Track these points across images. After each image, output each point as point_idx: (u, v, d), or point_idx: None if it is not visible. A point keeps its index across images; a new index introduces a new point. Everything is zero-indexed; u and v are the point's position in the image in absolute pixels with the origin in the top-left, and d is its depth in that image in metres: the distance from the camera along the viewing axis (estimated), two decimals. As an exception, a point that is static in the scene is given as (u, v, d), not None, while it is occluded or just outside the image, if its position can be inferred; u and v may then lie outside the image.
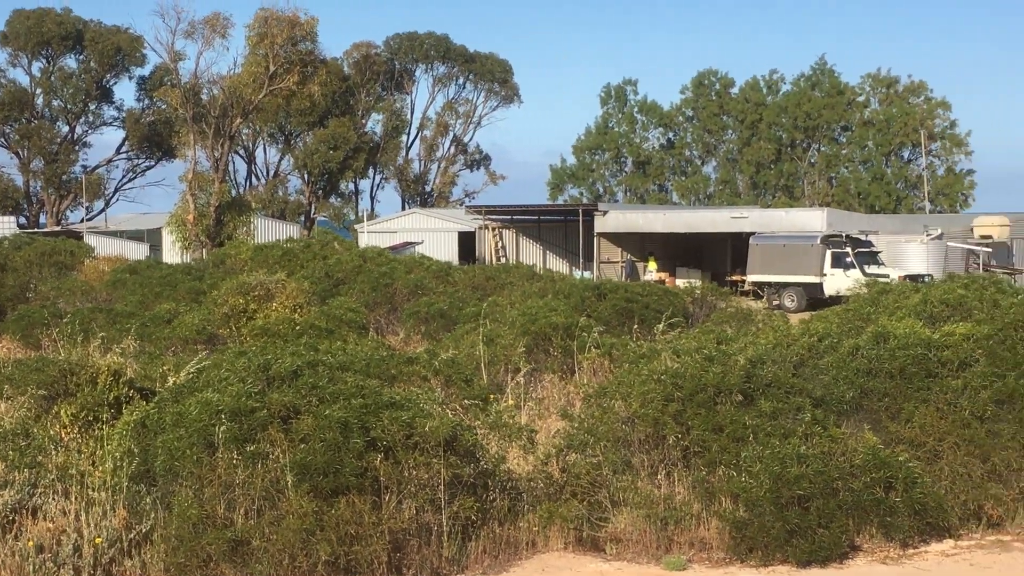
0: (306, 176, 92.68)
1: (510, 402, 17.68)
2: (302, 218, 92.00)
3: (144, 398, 15.31)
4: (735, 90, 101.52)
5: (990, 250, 55.91)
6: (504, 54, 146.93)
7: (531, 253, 69.58)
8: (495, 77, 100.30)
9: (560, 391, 20.40)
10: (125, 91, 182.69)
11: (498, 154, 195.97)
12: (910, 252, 53.95)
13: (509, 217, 70.12)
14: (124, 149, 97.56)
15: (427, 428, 13.14)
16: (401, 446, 13.00)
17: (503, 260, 64.47)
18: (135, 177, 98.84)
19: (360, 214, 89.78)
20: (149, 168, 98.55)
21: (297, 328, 25.29)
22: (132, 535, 12.65)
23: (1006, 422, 15.12)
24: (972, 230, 58.73)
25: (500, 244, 68.26)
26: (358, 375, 14.82)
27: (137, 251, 68.93)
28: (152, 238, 76.26)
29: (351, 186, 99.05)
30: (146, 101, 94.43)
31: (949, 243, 54.77)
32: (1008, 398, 15.25)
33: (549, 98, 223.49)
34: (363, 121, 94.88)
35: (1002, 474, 14.98)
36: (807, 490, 13.58)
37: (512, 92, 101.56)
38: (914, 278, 44.66)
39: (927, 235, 54.54)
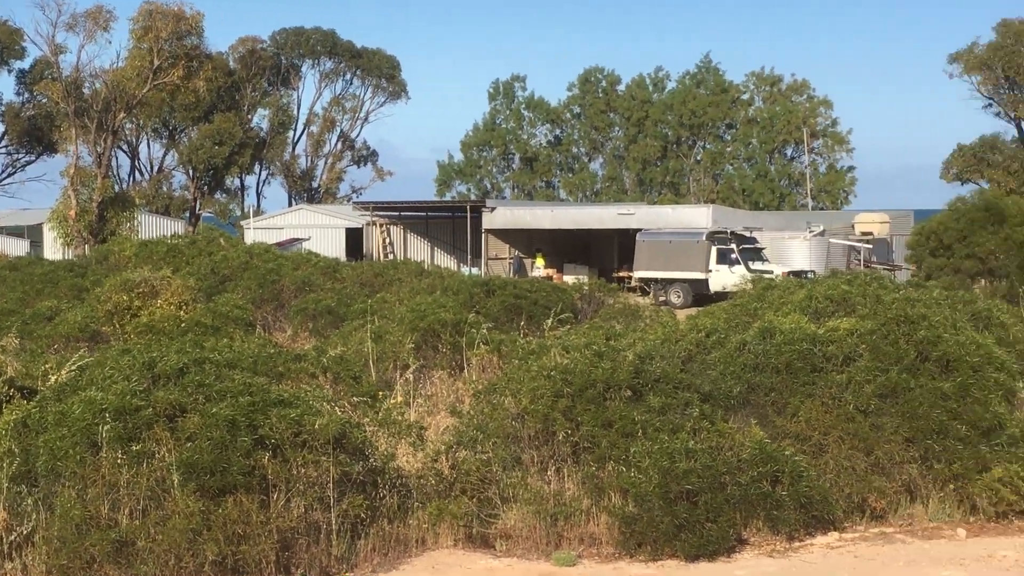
0: (191, 172, 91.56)
1: (399, 399, 17.60)
2: (187, 214, 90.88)
3: (25, 397, 15.00)
4: (621, 87, 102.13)
5: (871, 247, 56.80)
6: (392, 50, 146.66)
7: (419, 249, 69.42)
8: (382, 73, 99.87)
9: (449, 388, 20.36)
10: (4, 84, 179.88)
11: (386, 150, 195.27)
12: (793, 249, 54.65)
13: (397, 213, 69.93)
14: (3, 143, 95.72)
15: (316, 426, 13.04)
16: (289, 444, 12.88)
17: (391, 256, 64.28)
18: (15, 172, 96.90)
19: (246, 210, 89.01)
20: (29, 163, 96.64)
21: (183, 325, 24.99)
22: (13, 537, 12.40)
23: (889, 416, 15.34)
24: (853, 227, 59.61)
25: (388, 240, 68.01)
26: (245, 373, 14.66)
27: (17, 247, 67.78)
28: (33, 234, 74.94)
29: (237, 182, 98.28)
30: (26, 95, 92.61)
31: (831, 240, 55.56)
32: (891, 392, 15.48)
33: (437, 94, 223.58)
34: (249, 116, 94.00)
35: (885, 467, 15.21)
36: (695, 484, 13.67)
37: (400, 88, 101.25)
38: (797, 274, 45.23)
39: (810, 232, 55.28)
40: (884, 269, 49.75)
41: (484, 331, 21.62)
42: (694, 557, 13.63)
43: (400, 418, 15.65)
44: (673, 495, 13.64)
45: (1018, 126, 72.32)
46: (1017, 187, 64.76)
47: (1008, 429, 15.46)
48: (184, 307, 27.52)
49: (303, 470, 12.91)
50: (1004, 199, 47.03)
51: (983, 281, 42.95)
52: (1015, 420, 15.75)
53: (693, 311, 25.87)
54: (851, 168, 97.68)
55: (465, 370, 21.07)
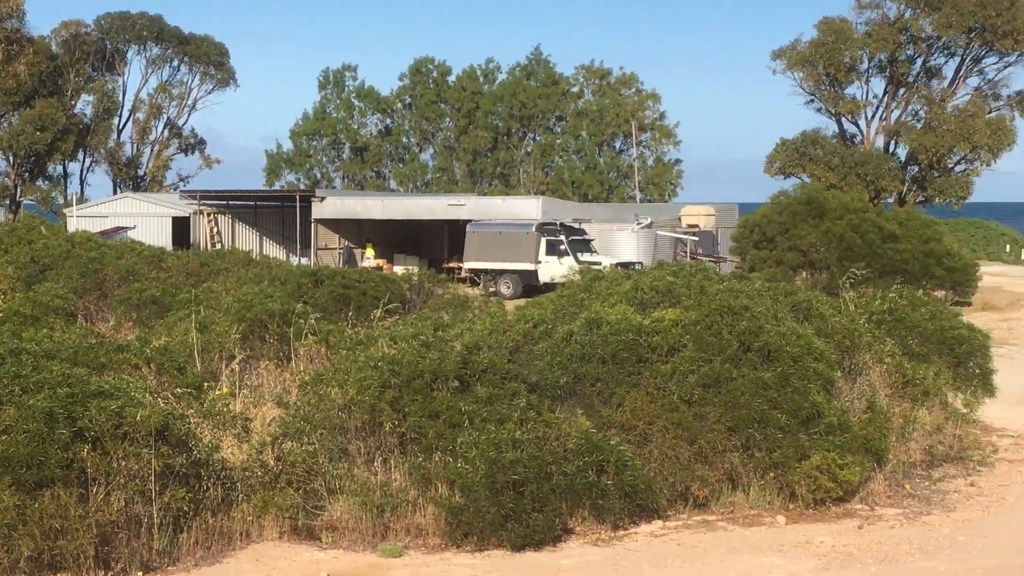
0: (11, 158, 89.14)
1: (225, 390, 17.36)
2: (7, 202, 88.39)
3: None
4: (452, 78, 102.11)
5: (697, 239, 57.59)
6: (220, 37, 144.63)
7: (248, 239, 68.54)
8: (210, 60, 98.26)
9: (276, 378, 20.14)
10: None
11: (214, 138, 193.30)
12: (621, 240, 55.17)
13: (225, 203, 68.94)
14: None
15: (137, 417, 12.80)
16: (110, 436, 12.62)
17: (219, 246, 63.38)
18: None
19: (69, 198, 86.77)
20: None
21: (0, 315, 24.33)
22: None
23: (712, 405, 15.59)
24: (680, 219, 60.41)
25: (216, 230, 67.01)
26: (65, 363, 14.36)
27: None
28: None
29: (60, 169, 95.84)
30: None
31: (658, 232, 56.24)
32: (714, 382, 15.74)
33: (267, 83, 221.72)
34: (72, 102, 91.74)
35: (708, 456, 15.46)
36: (522, 475, 13.74)
37: (228, 75, 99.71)
38: (625, 266, 45.71)
39: (637, 224, 55.89)
40: (709, 261, 50.54)
41: (312, 321, 21.44)
42: (520, 547, 13.70)
43: (225, 409, 15.45)
44: (500, 485, 13.69)
45: (838, 122, 74.06)
46: (837, 182, 66.23)
47: (826, 418, 15.83)
48: (2, 296, 26.83)
49: (124, 463, 12.67)
50: (824, 193, 48.11)
51: (804, 273, 43.93)
52: (833, 409, 16.13)
53: (522, 302, 25.95)
54: (678, 161, 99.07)
55: (292, 360, 20.87)
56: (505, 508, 13.64)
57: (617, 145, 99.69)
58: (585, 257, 51.12)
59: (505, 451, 13.82)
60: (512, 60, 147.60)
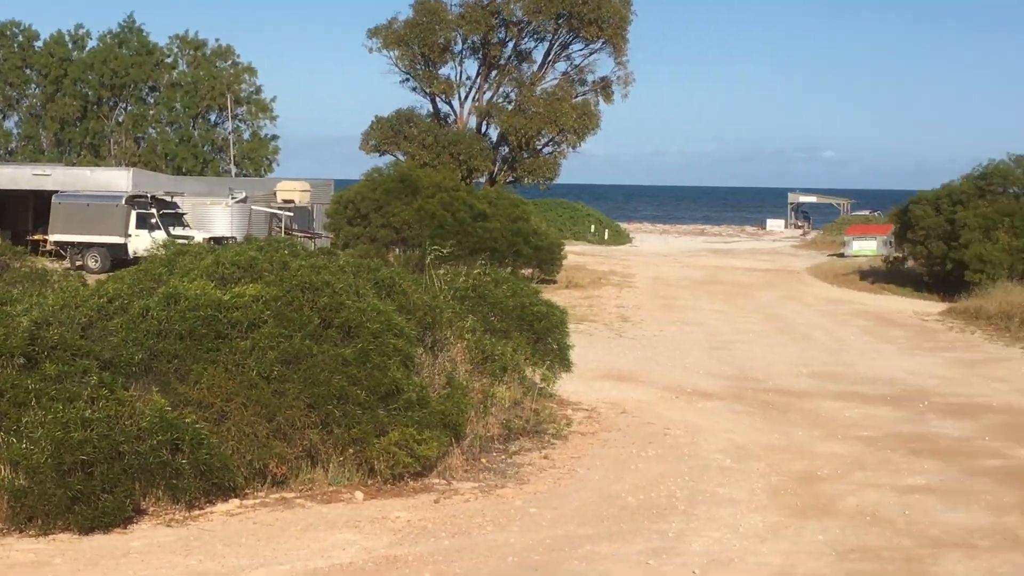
0: None
1: None
2: None
3: None
4: (39, 43, 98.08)
5: (292, 214, 57.37)
6: None
7: None
8: None
9: None
10: None
11: None
12: (215, 215, 54.43)
13: None
14: None
15: None
16: None
17: None
18: None
19: None
20: None
21: None
22: None
23: (291, 382, 15.50)
24: (276, 194, 60.03)
25: None
26: None
27: None
28: None
29: None
30: None
31: (253, 207, 55.71)
32: (294, 358, 15.66)
33: None
34: None
35: (287, 433, 15.37)
36: (91, 455, 13.33)
37: None
38: (218, 240, 45.10)
39: (232, 198, 55.23)
40: (304, 237, 50.44)
41: None
42: (88, 530, 13.27)
43: None
44: (67, 466, 13.23)
45: (433, 102, 74.89)
46: (431, 160, 67.06)
47: (406, 394, 15.99)
48: None
49: None
50: (418, 171, 48.71)
51: (397, 250, 44.42)
52: (413, 384, 16.31)
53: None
54: (275, 136, 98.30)
55: None
56: (73, 490, 13.18)
57: (212, 118, 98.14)
58: (177, 231, 50.14)
59: (74, 431, 13.35)
60: (103, 27, 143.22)
